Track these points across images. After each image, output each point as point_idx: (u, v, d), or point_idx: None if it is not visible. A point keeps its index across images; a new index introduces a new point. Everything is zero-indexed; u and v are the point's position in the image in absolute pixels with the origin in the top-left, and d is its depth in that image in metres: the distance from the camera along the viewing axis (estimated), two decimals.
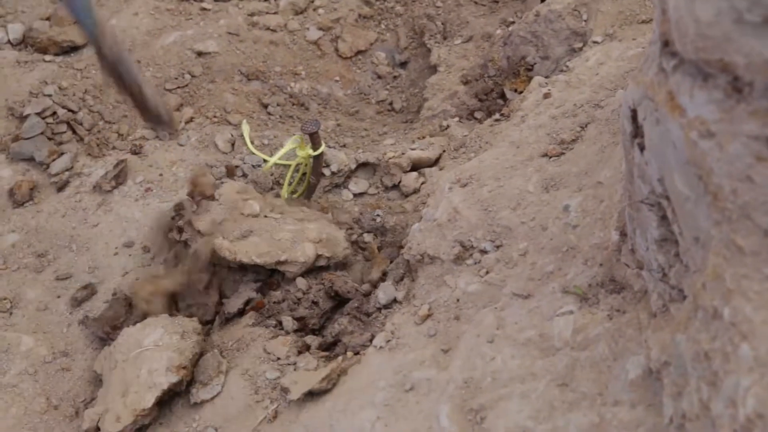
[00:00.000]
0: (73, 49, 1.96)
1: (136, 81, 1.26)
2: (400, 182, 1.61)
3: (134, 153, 1.71)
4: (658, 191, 0.85)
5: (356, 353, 1.20)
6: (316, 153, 1.52)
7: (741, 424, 0.65)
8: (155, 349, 1.25)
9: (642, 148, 0.88)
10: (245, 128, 1.73)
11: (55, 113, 1.78)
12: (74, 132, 1.77)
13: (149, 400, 1.21)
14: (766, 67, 0.60)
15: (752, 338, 0.66)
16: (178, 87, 1.87)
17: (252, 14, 2.04)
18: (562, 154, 1.33)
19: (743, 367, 0.66)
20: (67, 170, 1.70)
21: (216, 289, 1.45)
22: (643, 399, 0.88)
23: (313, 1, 2.12)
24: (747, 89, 0.64)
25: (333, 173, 1.64)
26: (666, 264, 0.88)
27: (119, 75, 1.24)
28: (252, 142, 1.71)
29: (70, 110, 1.79)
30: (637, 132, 0.89)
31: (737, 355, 0.67)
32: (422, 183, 1.58)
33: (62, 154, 1.72)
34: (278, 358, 1.26)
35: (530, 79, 1.69)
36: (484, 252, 1.22)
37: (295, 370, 1.22)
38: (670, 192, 0.81)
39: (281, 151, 1.50)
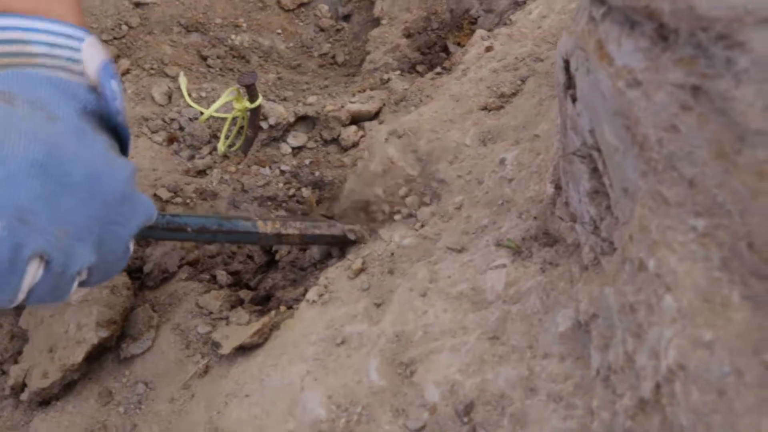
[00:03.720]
0: None
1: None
2: (339, 136, 1.59)
3: None
4: (589, 143, 0.84)
5: (289, 307, 1.18)
6: (253, 106, 1.49)
7: (663, 375, 0.65)
8: (84, 304, 1.22)
9: (574, 99, 0.87)
10: (182, 80, 1.69)
11: None
12: None
13: (78, 355, 1.18)
14: (690, 14, 0.59)
15: (675, 289, 0.65)
16: (115, 38, 1.82)
17: None
18: (502, 107, 1.32)
19: (666, 319, 0.66)
20: None
21: None
22: (573, 352, 0.88)
23: None
24: (672, 36, 0.62)
25: (271, 126, 1.60)
26: (597, 216, 0.87)
27: None
28: (189, 95, 1.67)
29: None
30: (570, 83, 0.88)
31: (661, 306, 0.67)
32: (361, 136, 1.56)
33: None
34: (210, 313, 1.24)
35: (473, 32, 1.67)
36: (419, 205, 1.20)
37: (227, 324, 1.20)
38: (600, 143, 0.80)
39: (217, 103, 1.47)
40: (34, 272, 0.80)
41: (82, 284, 0.90)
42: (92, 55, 0.95)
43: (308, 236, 1.22)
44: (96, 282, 0.93)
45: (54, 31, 0.93)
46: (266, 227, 1.18)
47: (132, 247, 0.95)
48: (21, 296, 0.81)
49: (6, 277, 0.78)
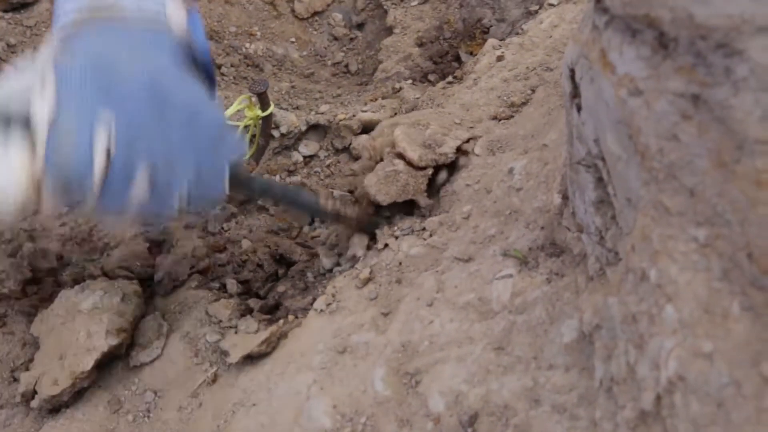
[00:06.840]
0: (24, 5, 1.92)
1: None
2: (350, 145, 1.59)
3: None
4: (594, 152, 0.84)
5: (297, 317, 1.18)
6: (265, 114, 1.49)
7: (663, 387, 0.65)
8: (94, 312, 1.22)
9: (579, 109, 0.86)
10: None
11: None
12: None
13: (88, 363, 1.19)
14: (689, 22, 0.58)
15: (676, 300, 0.65)
16: None
17: None
18: (512, 117, 1.32)
19: (667, 329, 0.65)
20: None
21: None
22: (577, 362, 0.88)
23: None
24: (672, 45, 0.62)
25: (283, 135, 1.61)
26: (603, 226, 0.87)
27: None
28: None
29: None
30: (576, 92, 0.87)
31: (662, 317, 0.66)
32: None
33: None
34: (220, 321, 1.24)
35: (486, 41, 1.67)
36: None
37: (236, 333, 1.20)
38: (604, 152, 0.80)
39: (228, 112, 1.47)
40: (142, 184, 0.88)
41: (185, 211, 0.97)
42: (177, 7, 1.03)
43: (363, 221, 1.26)
44: (195, 206, 0.99)
45: None
46: (327, 203, 1.24)
47: (227, 185, 1.01)
48: (132, 207, 0.89)
49: (119, 186, 0.87)
